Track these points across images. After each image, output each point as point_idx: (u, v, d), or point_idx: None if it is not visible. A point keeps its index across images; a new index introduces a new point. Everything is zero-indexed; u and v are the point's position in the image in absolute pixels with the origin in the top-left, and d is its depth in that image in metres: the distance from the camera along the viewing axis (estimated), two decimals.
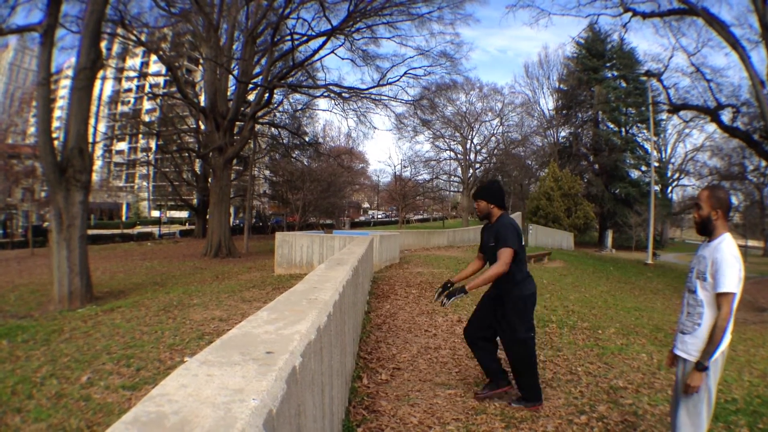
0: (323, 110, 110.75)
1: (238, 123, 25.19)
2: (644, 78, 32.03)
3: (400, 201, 48.70)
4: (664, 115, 43.42)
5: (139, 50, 38.02)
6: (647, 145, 45.69)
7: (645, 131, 46.30)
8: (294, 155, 37.58)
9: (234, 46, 25.60)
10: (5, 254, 25.83)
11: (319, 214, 41.56)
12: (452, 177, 54.91)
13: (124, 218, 60.27)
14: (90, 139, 13.70)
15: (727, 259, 2.75)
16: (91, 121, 15.62)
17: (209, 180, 32.24)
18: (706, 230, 2.93)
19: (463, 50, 58.60)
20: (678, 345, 2.95)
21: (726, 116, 22.94)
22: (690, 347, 2.85)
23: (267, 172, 46.15)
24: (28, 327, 7.55)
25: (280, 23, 22.87)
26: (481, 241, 4.47)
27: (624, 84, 46.95)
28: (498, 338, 4.33)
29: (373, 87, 26.39)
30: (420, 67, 30.92)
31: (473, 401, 4.21)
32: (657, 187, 47.27)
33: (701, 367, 2.72)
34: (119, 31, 22.73)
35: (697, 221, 2.96)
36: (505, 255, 3.89)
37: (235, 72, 24.32)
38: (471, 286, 3.97)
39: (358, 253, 6.14)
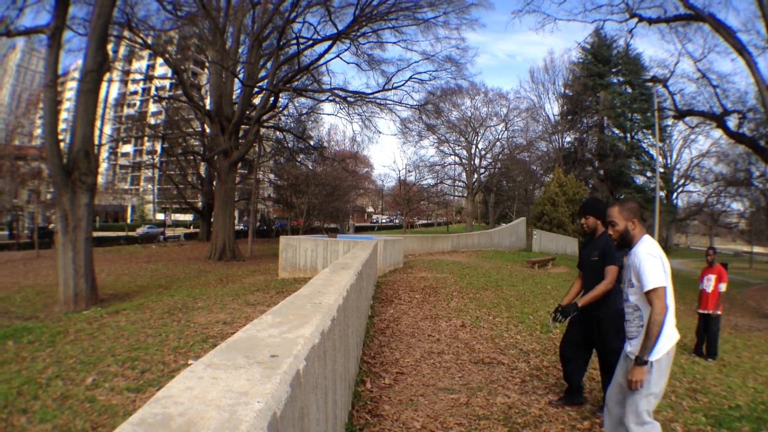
0: (328, 114, 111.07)
1: (243, 126, 25.26)
2: (650, 84, 31.95)
3: (404, 205, 48.68)
4: (669, 121, 43.28)
5: (146, 53, 38.29)
6: (652, 151, 45.48)
7: (650, 137, 46.14)
8: (299, 159, 37.68)
9: (240, 50, 25.71)
10: (11, 255, 25.95)
11: (323, 218, 41.63)
12: (457, 182, 54.88)
13: (129, 221, 60.46)
14: (96, 142, 13.77)
15: (643, 258, 2.86)
16: (97, 123, 15.70)
17: (214, 183, 32.32)
18: (627, 242, 3.05)
19: (469, 55, 59.00)
20: (628, 348, 3.03)
21: (732, 122, 22.86)
22: (636, 348, 2.92)
23: (272, 176, 46.28)
24: (34, 328, 7.59)
25: (286, 27, 22.94)
26: (580, 257, 4.58)
27: (629, 89, 46.78)
28: (593, 356, 4.50)
29: (378, 91, 26.42)
30: (425, 72, 31.06)
31: (476, 406, 4.20)
32: (662, 193, 47.12)
33: (640, 361, 2.77)
34: (126, 33, 22.86)
35: (616, 237, 3.08)
36: (612, 273, 4.03)
37: (241, 75, 24.41)
38: (582, 303, 4.08)
39: (362, 258, 6.14)
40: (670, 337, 2.89)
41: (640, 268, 2.84)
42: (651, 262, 2.84)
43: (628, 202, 3.10)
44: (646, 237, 3.01)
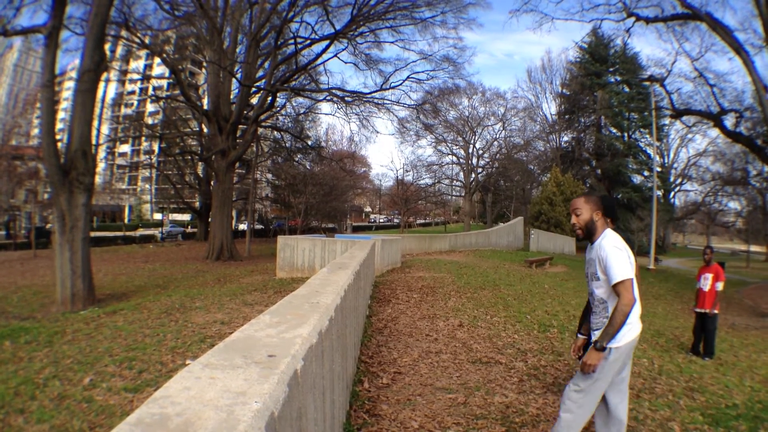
0: (326, 114, 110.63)
1: (240, 126, 25.24)
2: (647, 83, 32.05)
3: (402, 205, 48.70)
4: (666, 120, 43.40)
5: (143, 53, 38.27)
6: (650, 150, 45.62)
7: (648, 136, 46.29)
8: (296, 159, 37.64)
9: (237, 50, 25.68)
10: (8, 256, 25.88)
11: (321, 218, 41.61)
12: (454, 181, 54.93)
13: (126, 221, 60.34)
14: (93, 142, 13.75)
15: (610, 252, 2.85)
16: (95, 123, 15.67)
17: (212, 183, 32.29)
18: (590, 233, 3.03)
19: (466, 54, 58.94)
20: (591, 340, 3.04)
21: (729, 121, 22.95)
22: None
23: (269, 176, 46.22)
24: (31, 329, 7.57)
25: (283, 27, 22.91)
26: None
27: (627, 89, 46.90)
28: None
29: (376, 91, 26.41)
30: (423, 72, 31.02)
31: (473, 406, 4.21)
32: (659, 192, 47.22)
33: (599, 346, 2.77)
34: (123, 33, 22.80)
35: (580, 227, 3.04)
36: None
37: (239, 75, 24.38)
38: None
39: (360, 257, 6.14)
40: (633, 327, 2.91)
41: (608, 261, 2.83)
42: (618, 254, 2.83)
43: (593, 195, 3.11)
44: (609, 231, 3.00)
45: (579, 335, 3.34)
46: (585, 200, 3.04)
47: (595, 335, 2.99)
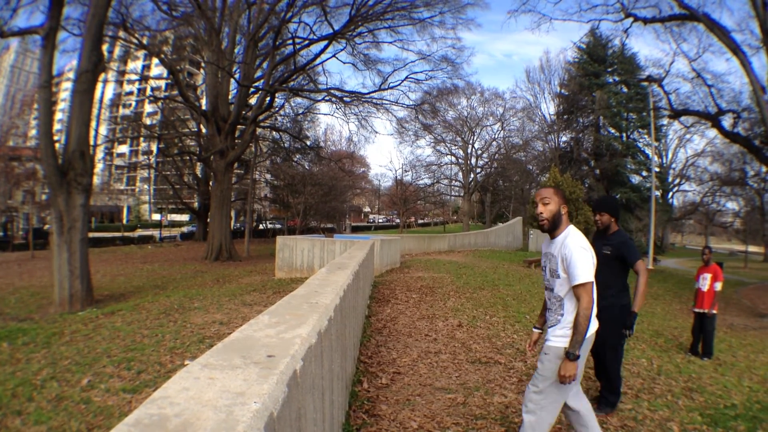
0: (324, 114, 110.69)
1: (239, 126, 25.23)
2: (645, 83, 32.03)
3: (401, 205, 48.72)
4: (665, 121, 43.41)
5: (141, 53, 38.14)
6: (648, 151, 45.65)
7: (646, 136, 46.26)
8: (295, 159, 37.63)
9: (236, 50, 25.66)
10: (6, 257, 25.84)
11: (320, 218, 41.59)
12: (453, 181, 54.93)
13: (125, 221, 60.28)
14: (91, 142, 13.72)
15: (575, 251, 2.80)
16: (93, 124, 15.65)
17: (210, 183, 32.26)
18: (554, 227, 2.96)
19: (465, 55, 58.91)
20: (549, 337, 2.99)
21: (727, 122, 22.95)
22: (558, 338, 2.89)
23: (268, 176, 46.20)
24: (29, 330, 7.55)
25: (281, 27, 22.92)
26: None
27: (625, 89, 46.90)
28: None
29: (375, 91, 26.43)
30: (421, 72, 31.05)
31: (473, 406, 4.20)
32: (658, 193, 47.24)
33: (573, 356, 2.73)
34: (121, 34, 22.80)
35: (546, 218, 2.95)
36: (644, 267, 4.20)
37: (237, 75, 24.37)
38: (638, 306, 4.18)
39: (359, 258, 6.14)
40: (591, 325, 2.88)
41: (572, 261, 2.78)
42: (584, 256, 2.80)
43: (561, 189, 3.07)
44: (573, 228, 2.96)
45: (535, 329, 3.33)
46: (554, 192, 2.98)
47: (552, 332, 2.95)
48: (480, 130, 51.05)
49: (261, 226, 47.38)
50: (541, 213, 2.95)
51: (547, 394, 2.88)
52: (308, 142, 35.99)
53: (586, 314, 2.72)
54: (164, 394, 1.09)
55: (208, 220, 28.93)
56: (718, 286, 7.22)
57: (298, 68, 24.61)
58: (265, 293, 10.51)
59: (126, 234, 42.33)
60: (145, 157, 52.47)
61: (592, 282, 2.78)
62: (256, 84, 25.25)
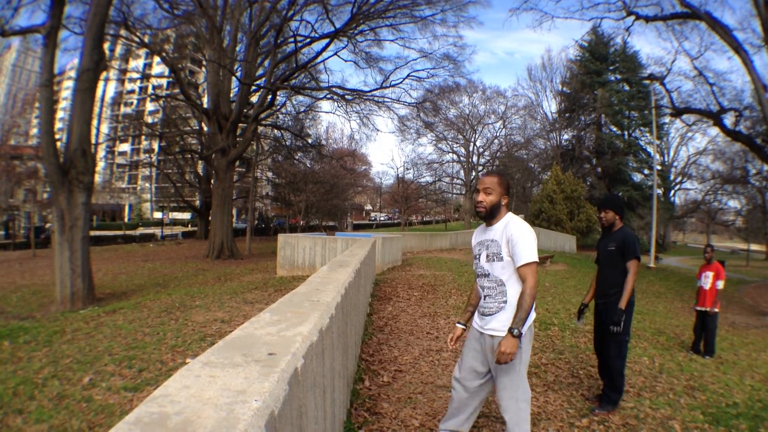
0: (326, 112, 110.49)
1: (241, 125, 25.20)
2: (647, 81, 32.03)
3: (402, 203, 48.69)
4: (666, 119, 43.42)
5: (142, 52, 38.21)
6: (650, 149, 45.59)
7: (648, 135, 46.22)
8: (297, 157, 37.63)
9: (237, 48, 25.63)
10: (7, 255, 25.89)
11: (321, 216, 41.61)
12: (455, 179, 54.94)
13: (126, 220, 60.33)
14: (93, 141, 13.73)
15: (522, 233, 2.81)
16: (94, 122, 15.66)
17: (212, 182, 32.26)
18: (492, 215, 2.95)
19: (467, 53, 58.78)
20: (485, 326, 2.95)
21: (728, 120, 22.93)
22: (501, 324, 2.84)
23: (270, 174, 46.23)
24: (30, 328, 7.56)
25: (283, 25, 22.89)
26: (597, 252, 4.68)
27: (627, 87, 46.84)
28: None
29: (376, 89, 26.37)
30: (423, 70, 31.10)
31: None
32: (659, 191, 47.19)
33: (516, 333, 2.67)
34: (122, 32, 22.78)
35: (485, 206, 2.93)
36: (635, 266, 4.21)
37: (238, 74, 24.36)
38: (624, 303, 4.19)
39: (361, 256, 6.14)
40: (532, 313, 2.84)
41: (518, 242, 2.77)
42: (530, 237, 2.79)
43: (506, 176, 3.06)
44: (513, 215, 2.95)
45: (459, 325, 3.22)
46: (498, 182, 2.95)
47: (489, 321, 2.91)
48: (482, 128, 51.12)
49: (263, 225, 47.40)
50: (481, 201, 2.94)
51: (514, 386, 2.84)
52: (310, 140, 35.98)
53: (533, 293, 2.71)
54: (165, 393, 1.08)
55: (210, 218, 28.92)
56: (720, 284, 7.21)
57: (300, 66, 24.57)
58: (267, 291, 10.52)
59: (127, 232, 42.31)
60: (147, 155, 52.49)
61: (537, 262, 2.77)
62: (257, 82, 25.23)
